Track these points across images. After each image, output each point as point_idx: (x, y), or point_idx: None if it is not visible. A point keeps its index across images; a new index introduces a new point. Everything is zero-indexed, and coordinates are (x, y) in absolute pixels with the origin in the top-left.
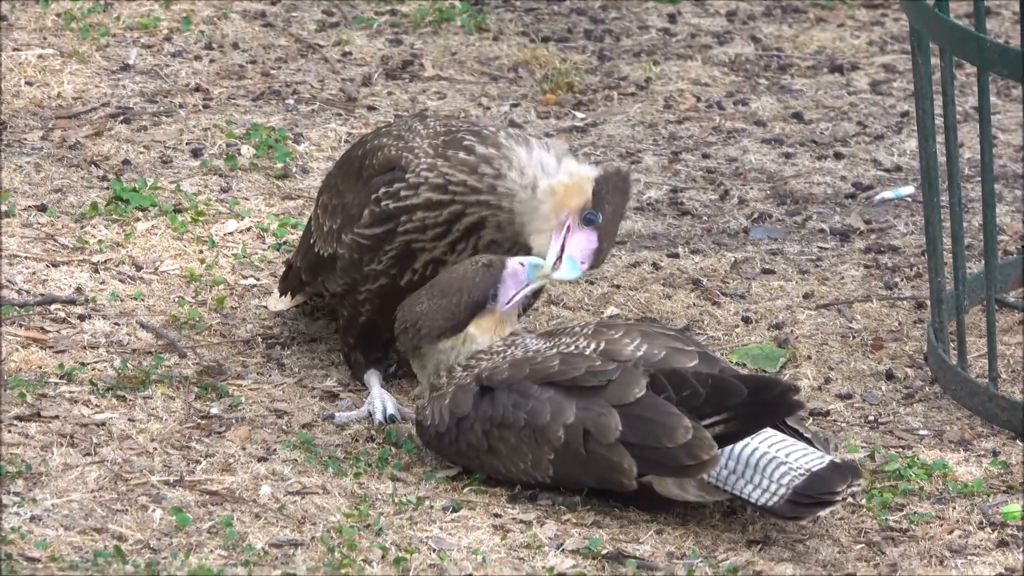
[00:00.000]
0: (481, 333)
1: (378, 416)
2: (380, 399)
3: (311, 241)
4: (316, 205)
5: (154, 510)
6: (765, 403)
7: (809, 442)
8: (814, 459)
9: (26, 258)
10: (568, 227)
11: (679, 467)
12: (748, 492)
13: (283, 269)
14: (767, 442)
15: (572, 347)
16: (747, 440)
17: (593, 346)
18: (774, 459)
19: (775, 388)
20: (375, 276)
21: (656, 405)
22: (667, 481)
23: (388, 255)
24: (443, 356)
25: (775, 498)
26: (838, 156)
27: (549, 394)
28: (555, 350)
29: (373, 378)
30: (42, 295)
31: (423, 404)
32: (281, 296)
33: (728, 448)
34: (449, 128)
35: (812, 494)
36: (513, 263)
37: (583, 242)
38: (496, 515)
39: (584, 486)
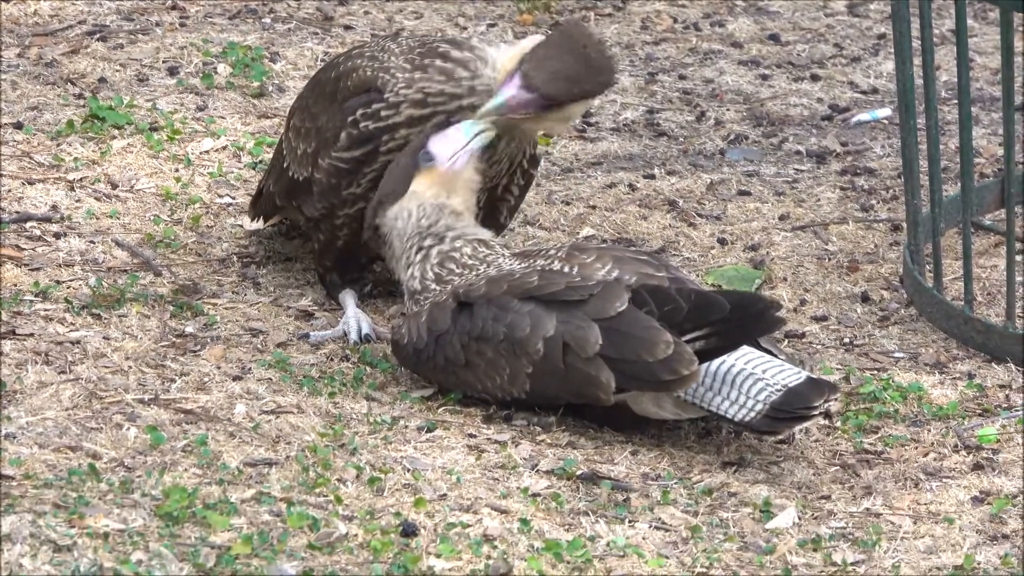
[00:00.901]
0: (426, 190)
1: (353, 336)
2: (355, 319)
3: (284, 165)
4: (286, 128)
5: (128, 428)
6: (747, 318)
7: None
8: (791, 375)
9: (1, 176)
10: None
11: (658, 382)
12: (725, 408)
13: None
14: (743, 359)
15: (544, 268)
16: (724, 357)
17: (567, 269)
18: (751, 375)
19: (757, 303)
20: (354, 200)
21: (637, 319)
22: (643, 398)
23: (367, 177)
24: (399, 225)
25: (752, 414)
26: (815, 78)
27: (529, 307)
28: (529, 270)
29: (348, 298)
30: (17, 212)
31: (398, 323)
32: (253, 220)
33: (704, 365)
34: (423, 42)
35: (789, 409)
36: (438, 127)
37: (515, 91)
38: (471, 435)
39: (561, 402)
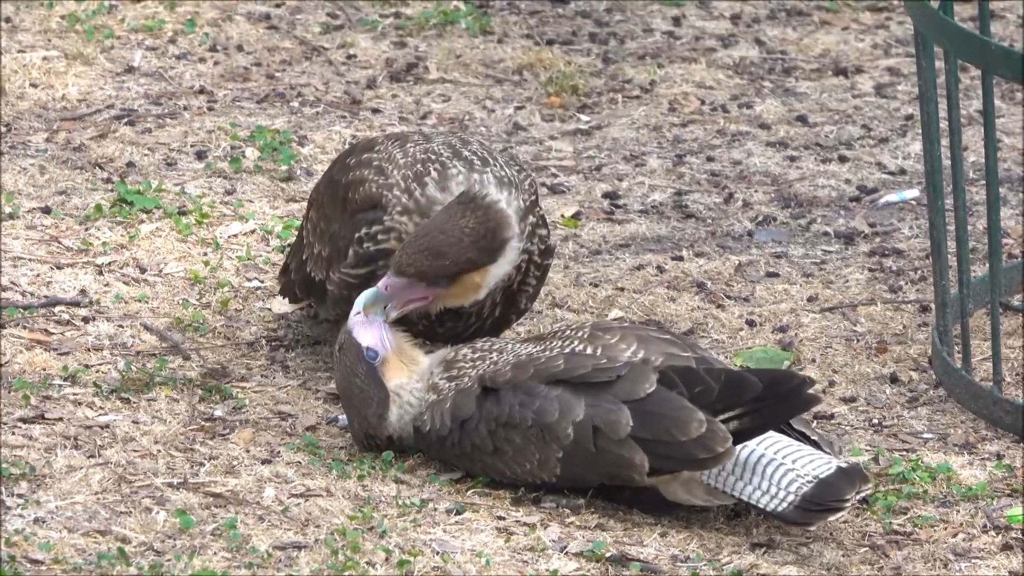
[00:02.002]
0: (401, 380)
1: None
2: None
3: (303, 257)
4: (307, 214)
5: (158, 512)
6: (781, 396)
7: (816, 444)
8: (821, 465)
9: (30, 260)
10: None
11: (693, 461)
12: (756, 498)
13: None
14: (773, 447)
15: (568, 351)
16: (752, 446)
17: (589, 350)
18: (781, 465)
19: (791, 381)
20: None
21: (668, 400)
22: (675, 485)
23: None
24: (403, 410)
25: (783, 504)
26: (842, 159)
27: (557, 392)
28: (547, 353)
29: None
30: (46, 297)
31: (420, 412)
32: (281, 295)
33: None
34: (426, 156)
35: (821, 501)
36: (352, 320)
37: (387, 279)
38: (500, 517)
39: (592, 484)
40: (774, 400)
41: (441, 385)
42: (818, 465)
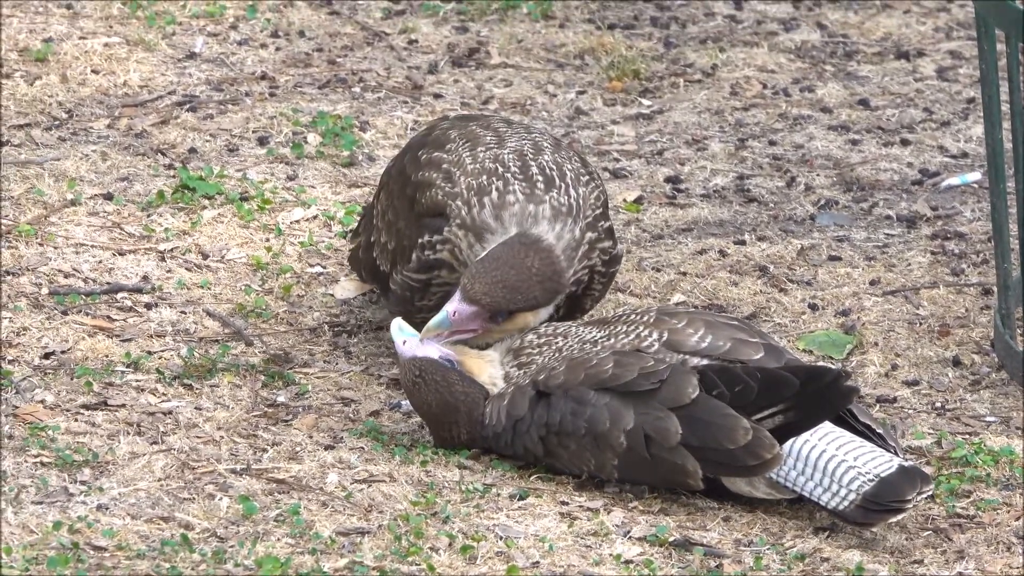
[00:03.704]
0: (484, 371)
1: None
2: None
3: (371, 239)
4: (378, 194)
5: (221, 498)
6: (819, 391)
7: (882, 438)
8: (883, 463)
9: (93, 247)
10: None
11: (743, 467)
12: (818, 495)
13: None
14: (835, 443)
15: (633, 336)
16: (814, 441)
17: (655, 335)
18: (843, 462)
19: (827, 376)
20: (428, 309)
21: (712, 406)
22: (737, 479)
23: (436, 296)
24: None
25: (844, 503)
26: (904, 143)
27: (606, 400)
28: (611, 340)
29: None
30: (108, 284)
31: (484, 402)
32: (350, 271)
33: (796, 449)
34: (495, 165)
35: (882, 501)
36: (404, 348)
37: (456, 304)
38: (563, 503)
39: (652, 485)
40: (813, 395)
41: (512, 374)
42: (880, 463)
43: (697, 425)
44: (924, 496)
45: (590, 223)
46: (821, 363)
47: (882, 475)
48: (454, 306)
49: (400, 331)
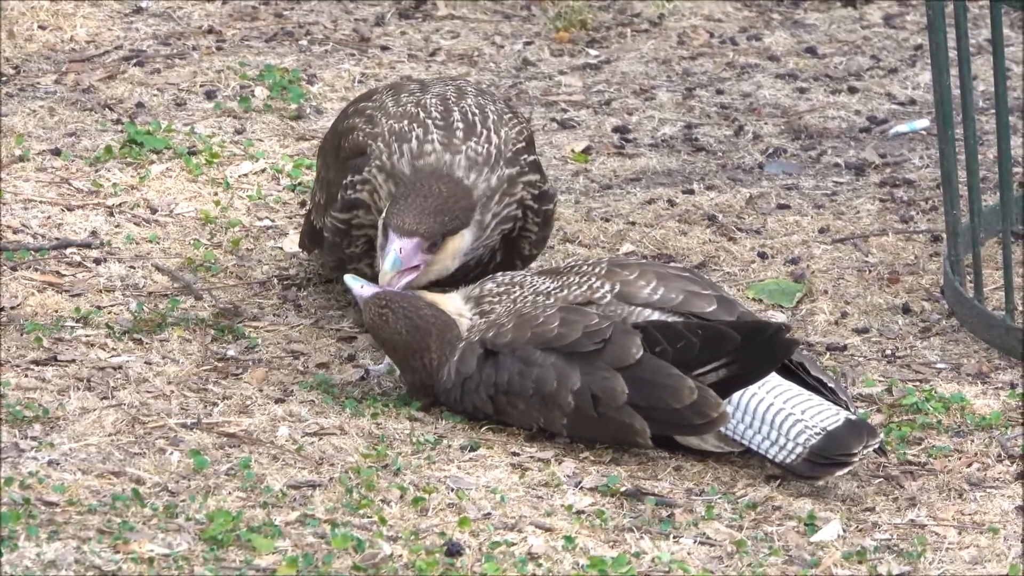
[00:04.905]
0: (449, 303)
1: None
2: None
3: (309, 207)
4: (316, 165)
5: (172, 453)
6: (761, 345)
7: (833, 392)
8: (830, 417)
9: (41, 202)
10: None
11: (689, 426)
12: (765, 448)
13: (300, 211)
14: (782, 397)
15: (585, 288)
16: (762, 395)
17: (607, 287)
18: (790, 415)
19: (768, 329)
20: (357, 258)
21: (657, 366)
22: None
23: (360, 241)
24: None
25: (792, 456)
26: (852, 90)
27: (552, 360)
28: (564, 291)
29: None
30: (57, 239)
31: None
32: (300, 250)
33: (744, 402)
34: (416, 110)
35: (828, 455)
36: (361, 292)
37: (397, 243)
38: (514, 454)
39: (603, 442)
40: (755, 349)
41: (475, 321)
42: (827, 417)
43: (643, 385)
44: (871, 449)
45: (510, 159)
46: (769, 312)
47: (829, 428)
48: (396, 244)
49: (354, 280)
